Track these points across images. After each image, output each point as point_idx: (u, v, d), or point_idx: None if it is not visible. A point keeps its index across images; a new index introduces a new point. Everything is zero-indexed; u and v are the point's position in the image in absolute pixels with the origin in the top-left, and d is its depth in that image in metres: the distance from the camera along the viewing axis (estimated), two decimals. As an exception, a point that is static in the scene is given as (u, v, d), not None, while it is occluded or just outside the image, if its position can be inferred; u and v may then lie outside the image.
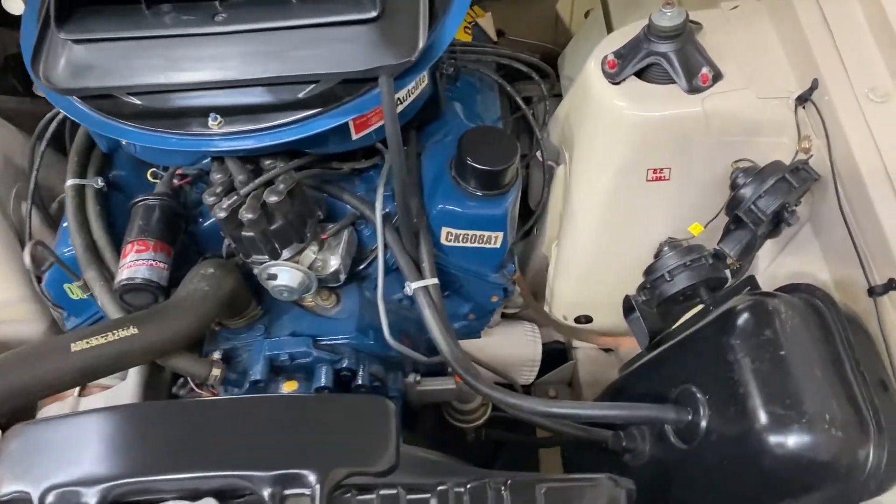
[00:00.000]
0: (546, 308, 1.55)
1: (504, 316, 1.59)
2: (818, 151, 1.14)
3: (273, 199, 1.11)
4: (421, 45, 1.06)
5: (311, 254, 1.22)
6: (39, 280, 1.41)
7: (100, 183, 1.27)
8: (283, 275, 1.18)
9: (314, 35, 1.05)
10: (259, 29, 1.04)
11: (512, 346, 1.59)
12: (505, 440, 1.57)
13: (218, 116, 1.05)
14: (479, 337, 1.53)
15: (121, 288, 1.13)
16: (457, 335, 1.46)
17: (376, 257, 1.27)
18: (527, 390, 1.68)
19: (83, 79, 1.06)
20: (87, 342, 0.98)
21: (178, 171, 1.28)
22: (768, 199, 1.10)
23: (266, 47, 1.05)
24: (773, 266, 1.26)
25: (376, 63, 1.04)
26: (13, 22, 1.45)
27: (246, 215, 1.11)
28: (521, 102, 1.51)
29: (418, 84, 1.20)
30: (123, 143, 1.17)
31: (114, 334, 1.00)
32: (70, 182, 1.25)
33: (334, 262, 1.23)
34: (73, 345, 0.97)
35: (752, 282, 1.12)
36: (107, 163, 1.33)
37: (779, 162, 1.15)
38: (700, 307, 1.20)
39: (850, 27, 1.15)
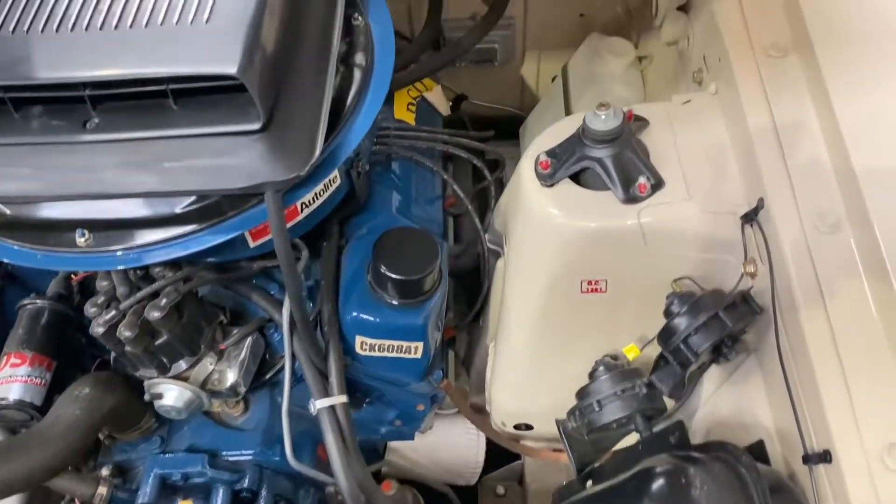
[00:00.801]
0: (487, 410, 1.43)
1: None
2: (763, 278, 1.02)
3: (155, 314, 1.02)
4: (316, 156, 0.95)
5: (208, 365, 1.12)
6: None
7: (-6, 277, 1.19)
8: (169, 394, 1.09)
9: (194, 146, 0.95)
10: (134, 139, 0.94)
11: (451, 447, 1.48)
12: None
13: (86, 232, 0.95)
14: (412, 439, 1.42)
15: (-6, 407, 1.04)
16: (386, 439, 1.37)
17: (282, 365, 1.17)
18: (472, 490, 1.56)
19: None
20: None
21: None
22: (700, 336, 0.98)
23: (141, 158, 0.94)
24: (717, 394, 1.13)
25: (260, 179, 0.93)
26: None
27: (124, 333, 1.01)
28: (456, 189, 1.40)
29: (328, 185, 1.10)
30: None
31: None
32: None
33: (231, 377, 1.13)
34: None
35: (679, 427, 1.00)
36: None
37: (718, 292, 1.03)
38: (632, 439, 1.09)
39: (802, 140, 1.02)
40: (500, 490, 1.61)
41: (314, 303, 1.19)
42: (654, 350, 1.14)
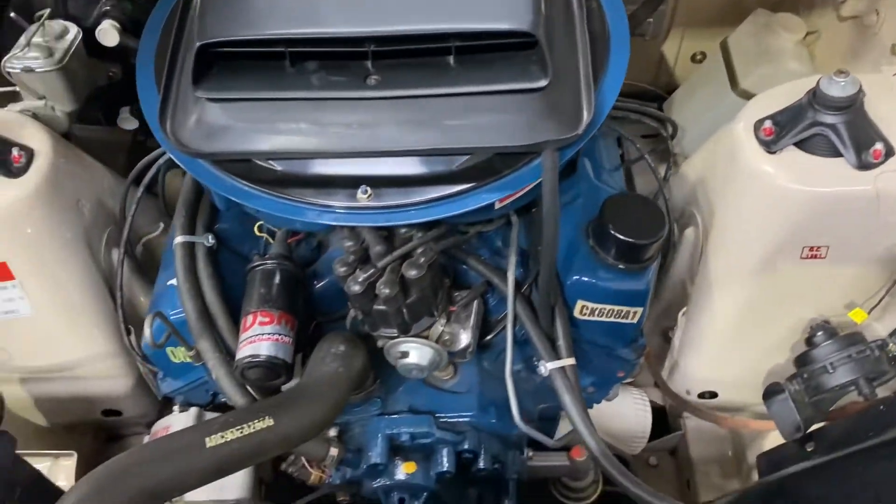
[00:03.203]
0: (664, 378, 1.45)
1: (613, 383, 1.49)
2: None
3: (413, 273, 1.02)
4: (586, 116, 0.97)
5: (439, 327, 1.13)
6: (129, 333, 1.34)
7: (210, 241, 1.18)
8: (415, 353, 1.09)
9: (475, 104, 0.96)
10: (416, 95, 0.95)
11: (622, 417, 1.49)
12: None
13: (368, 188, 0.95)
14: (591, 408, 1.43)
15: (243, 365, 1.04)
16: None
17: (502, 329, 1.18)
18: (624, 461, 1.58)
19: (219, 141, 0.97)
20: (223, 436, 0.89)
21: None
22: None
23: (422, 115, 0.96)
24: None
25: (543, 137, 0.94)
26: (105, 52, 1.37)
27: (383, 290, 1.02)
28: (648, 159, 1.41)
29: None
30: (250, 205, 1.08)
31: (249, 426, 0.91)
32: (179, 239, 1.16)
33: (465, 338, 1.14)
34: (207, 439, 0.88)
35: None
36: (213, 215, 1.24)
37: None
38: (857, 398, 1.11)
39: None
40: (653, 461, 1.63)
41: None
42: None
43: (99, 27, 1.26)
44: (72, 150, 1.31)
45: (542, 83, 0.94)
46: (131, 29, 1.29)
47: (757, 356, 1.28)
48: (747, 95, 1.51)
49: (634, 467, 1.64)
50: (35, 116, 1.31)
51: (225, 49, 0.95)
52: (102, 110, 1.59)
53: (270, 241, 1.23)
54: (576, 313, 1.19)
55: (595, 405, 1.46)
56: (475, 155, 0.97)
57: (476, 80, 0.95)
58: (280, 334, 1.06)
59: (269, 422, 0.92)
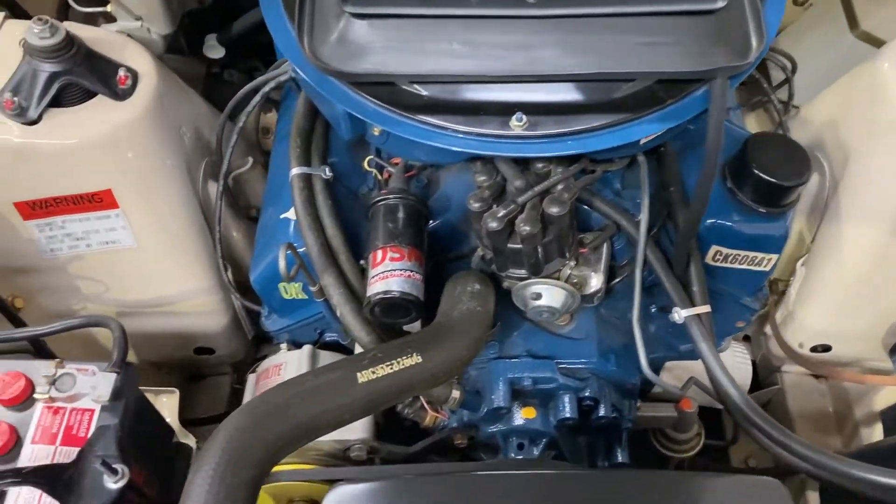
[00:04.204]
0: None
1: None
2: None
3: (555, 209, 0.97)
4: (755, 44, 0.90)
5: (567, 270, 1.08)
6: (226, 269, 1.29)
7: (328, 173, 1.13)
8: (548, 294, 1.04)
9: (641, 26, 0.89)
10: (580, 15, 0.88)
11: (723, 368, 1.44)
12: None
13: (523, 116, 0.89)
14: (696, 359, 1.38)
15: (376, 302, 0.99)
16: (682, 358, 1.33)
17: (627, 274, 1.13)
18: (715, 413, 1.54)
19: (364, 61, 0.91)
20: (373, 372, 0.85)
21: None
22: None
23: (584, 37, 0.89)
24: None
25: (715, 64, 0.88)
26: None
27: (524, 228, 0.96)
28: (774, 99, 1.34)
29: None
30: (375, 131, 1.02)
31: (398, 363, 0.86)
32: (296, 171, 1.10)
33: (595, 282, 1.09)
34: (359, 374, 0.84)
35: None
36: (326, 147, 1.18)
37: None
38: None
39: None
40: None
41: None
42: None
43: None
44: (171, 75, 1.25)
45: (719, 4, 0.87)
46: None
47: (883, 310, 1.24)
48: (868, 38, 1.43)
49: (727, 421, 1.61)
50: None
51: (375, -39, 0.88)
52: (186, 37, 1.53)
53: (378, 176, 1.18)
54: (708, 259, 1.14)
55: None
56: (636, 82, 0.91)
57: (645, 0, 0.88)
58: (411, 270, 1.01)
59: (417, 358, 0.88)
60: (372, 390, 0.84)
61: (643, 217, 1.09)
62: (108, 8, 1.29)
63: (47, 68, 1.07)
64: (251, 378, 1.22)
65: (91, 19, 1.40)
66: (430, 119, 0.91)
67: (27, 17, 1.28)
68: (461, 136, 0.91)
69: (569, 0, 0.88)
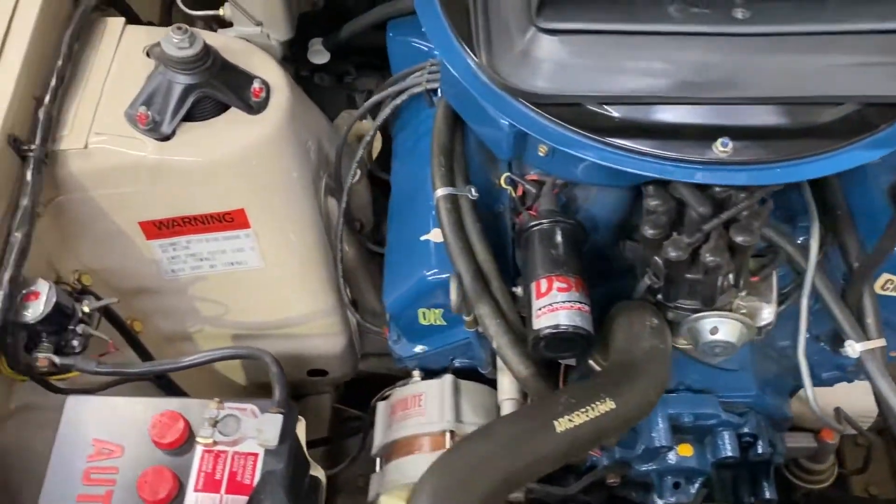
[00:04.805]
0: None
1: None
2: None
3: (743, 238, 0.90)
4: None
5: (738, 300, 1.01)
6: (346, 287, 1.23)
7: (474, 193, 1.06)
8: (725, 328, 0.97)
9: (856, 45, 0.82)
10: (792, 33, 0.81)
11: (851, 394, 1.37)
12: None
13: (729, 142, 0.82)
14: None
15: (545, 337, 0.92)
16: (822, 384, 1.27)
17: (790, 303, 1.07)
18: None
19: (550, 79, 0.84)
20: (570, 420, 0.78)
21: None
22: None
23: (798, 57, 0.82)
24: None
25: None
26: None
27: (710, 258, 0.89)
28: None
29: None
30: (541, 151, 0.95)
31: (594, 409, 0.80)
32: (442, 192, 1.04)
33: (767, 313, 1.02)
34: (556, 423, 0.78)
35: None
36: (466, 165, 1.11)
37: None
38: None
39: None
40: (861, 440, 1.52)
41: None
42: None
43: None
44: (297, 86, 1.18)
45: (947, 23, 0.80)
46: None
47: None
48: None
49: (843, 447, 1.55)
50: (250, 46, 1.18)
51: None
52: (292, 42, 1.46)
53: (513, 193, 1.11)
54: (877, 288, 1.07)
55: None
56: (845, 105, 0.84)
57: (861, 16, 0.81)
58: (580, 302, 0.94)
59: (610, 404, 0.81)
60: (569, 439, 0.78)
61: (813, 244, 1.02)
62: (221, 12, 1.23)
63: (183, 80, 1.00)
64: (382, 407, 1.15)
65: (189, 22, 1.34)
66: (620, 142, 0.84)
67: (137, 20, 1.22)
68: (655, 160, 0.84)
69: (780, 17, 0.81)
